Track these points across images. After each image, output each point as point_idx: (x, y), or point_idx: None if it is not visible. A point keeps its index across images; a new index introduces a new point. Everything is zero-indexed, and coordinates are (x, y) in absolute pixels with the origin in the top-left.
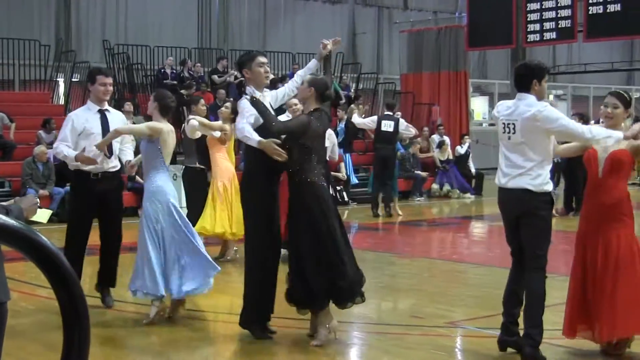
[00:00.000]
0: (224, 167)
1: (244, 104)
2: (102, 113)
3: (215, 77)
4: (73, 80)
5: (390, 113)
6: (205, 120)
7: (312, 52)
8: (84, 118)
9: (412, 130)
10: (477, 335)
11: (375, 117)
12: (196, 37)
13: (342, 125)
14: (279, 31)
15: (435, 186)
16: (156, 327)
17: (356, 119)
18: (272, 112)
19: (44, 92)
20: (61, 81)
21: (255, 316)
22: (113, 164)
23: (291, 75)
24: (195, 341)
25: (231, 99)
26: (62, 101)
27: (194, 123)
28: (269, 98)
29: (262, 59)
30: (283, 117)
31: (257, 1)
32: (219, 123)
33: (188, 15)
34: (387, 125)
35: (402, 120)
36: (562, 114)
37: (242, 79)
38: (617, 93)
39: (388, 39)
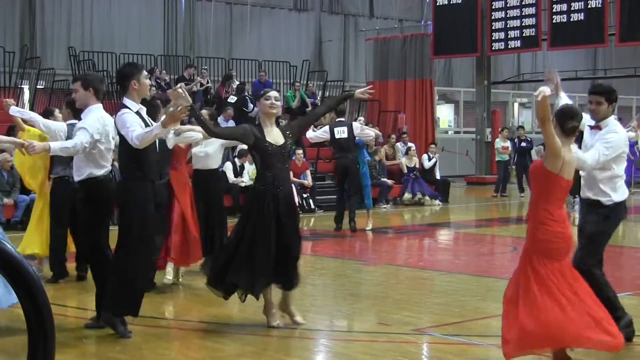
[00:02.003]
0: None
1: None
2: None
3: (181, 84)
4: (38, 87)
5: (342, 119)
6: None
7: (278, 59)
8: None
9: (370, 132)
10: (443, 342)
11: (327, 127)
12: (162, 44)
13: None
14: (245, 38)
15: (407, 194)
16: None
17: (309, 134)
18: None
19: (7, 98)
20: (26, 88)
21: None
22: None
23: (257, 83)
24: (163, 350)
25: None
26: (27, 108)
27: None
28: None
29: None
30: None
31: (223, 8)
32: None
33: (154, 22)
34: (340, 132)
35: (355, 124)
36: None
37: (209, 85)
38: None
39: (354, 47)
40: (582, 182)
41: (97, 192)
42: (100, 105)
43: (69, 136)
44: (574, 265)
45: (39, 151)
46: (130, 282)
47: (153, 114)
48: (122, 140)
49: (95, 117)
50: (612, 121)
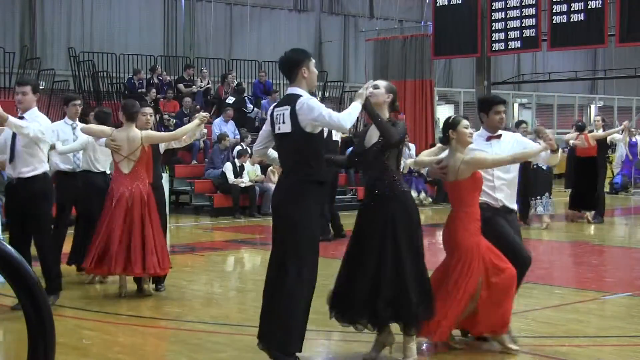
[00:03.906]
0: None
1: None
2: None
3: (181, 85)
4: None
5: None
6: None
7: (277, 60)
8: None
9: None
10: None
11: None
12: (162, 44)
13: None
14: (245, 39)
15: (414, 194)
16: (121, 335)
17: None
18: None
19: (8, 99)
20: None
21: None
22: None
23: (257, 83)
24: (163, 350)
25: (197, 106)
26: None
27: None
28: None
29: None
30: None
31: (223, 9)
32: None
33: (154, 23)
34: (334, 134)
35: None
36: None
37: (209, 85)
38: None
39: (354, 48)
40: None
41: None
42: None
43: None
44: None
45: None
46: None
47: (104, 119)
48: (303, 134)
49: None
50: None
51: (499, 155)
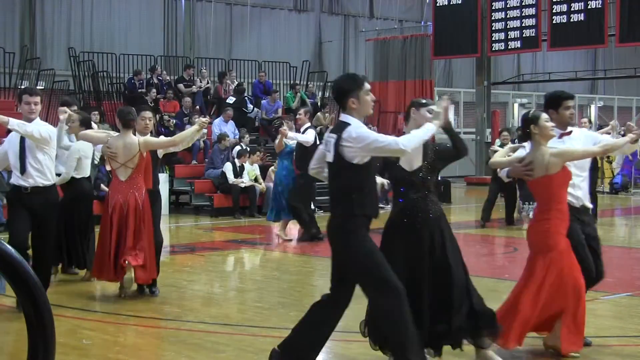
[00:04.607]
0: None
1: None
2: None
3: (181, 85)
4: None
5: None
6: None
7: (277, 60)
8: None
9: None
10: None
11: (313, 131)
12: (162, 45)
13: None
14: (245, 39)
15: None
16: (121, 335)
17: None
18: None
19: (8, 99)
20: None
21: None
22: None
23: (257, 83)
24: (163, 350)
25: (197, 107)
26: None
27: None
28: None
29: (369, 85)
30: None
31: (223, 9)
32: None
33: (154, 23)
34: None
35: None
36: None
37: (208, 85)
38: None
39: (354, 48)
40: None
41: None
42: None
43: None
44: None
45: None
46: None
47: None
48: (345, 165)
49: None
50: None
51: (587, 147)
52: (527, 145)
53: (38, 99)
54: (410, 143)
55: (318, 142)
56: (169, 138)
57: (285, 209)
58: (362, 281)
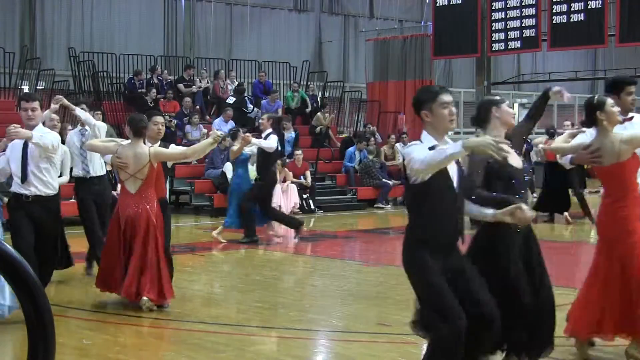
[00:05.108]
0: None
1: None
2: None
3: (181, 85)
4: (38, 87)
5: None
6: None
7: (277, 60)
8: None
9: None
10: None
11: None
12: (162, 45)
13: (292, 134)
14: (245, 39)
15: None
16: (121, 335)
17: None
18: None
19: (8, 100)
20: (26, 89)
21: None
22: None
23: (257, 83)
24: (163, 350)
25: (197, 107)
26: None
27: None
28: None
29: (447, 98)
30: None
31: (223, 9)
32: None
33: (154, 23)
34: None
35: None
36: None
37: (208, 85)
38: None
39: (354, 48)
40: None
41: None
42: None
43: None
44: None
45: (22, 136)
46: None
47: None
48: (407, 185)
49: None
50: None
51: None
52: (588, 130)
53: (36, 104)
54: (429, 162)
55: (280, 148)
56: (181, 150)
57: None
58: (423, 308)
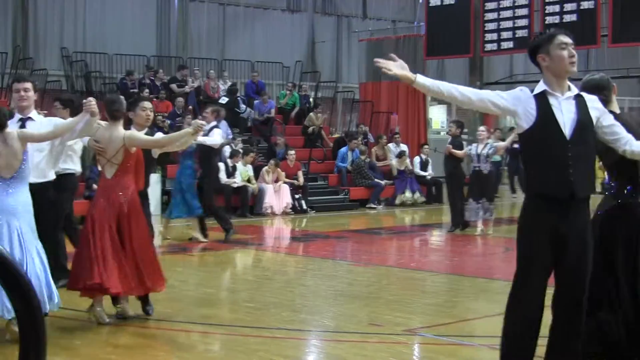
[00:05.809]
0: None
1: None
2: (22, 122)
3: (174, 85)
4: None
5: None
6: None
7: (271, 60)
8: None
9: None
10: (435, 343)
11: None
12: (155, 45)
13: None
14: (238, 39)
15: (408, 194)
16: (112, 335)
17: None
18: None
19: (0, 99)
20: None
21: None
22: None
23: (250, 83)
24: (154, 350)
25: (189, 107)
26: None
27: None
28: None
29: (565, 39)
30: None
31: (217, 9)
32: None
33: (147, 23)
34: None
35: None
36: None
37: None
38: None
39: (347, 48)
40: None
41: None
42: None
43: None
44: None
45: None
46: None
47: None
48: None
49: None
50: None
51: None
52: None
53: (28, 84)
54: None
55: (223, 142)
56: (154, 137)
57: (187, 207)
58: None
